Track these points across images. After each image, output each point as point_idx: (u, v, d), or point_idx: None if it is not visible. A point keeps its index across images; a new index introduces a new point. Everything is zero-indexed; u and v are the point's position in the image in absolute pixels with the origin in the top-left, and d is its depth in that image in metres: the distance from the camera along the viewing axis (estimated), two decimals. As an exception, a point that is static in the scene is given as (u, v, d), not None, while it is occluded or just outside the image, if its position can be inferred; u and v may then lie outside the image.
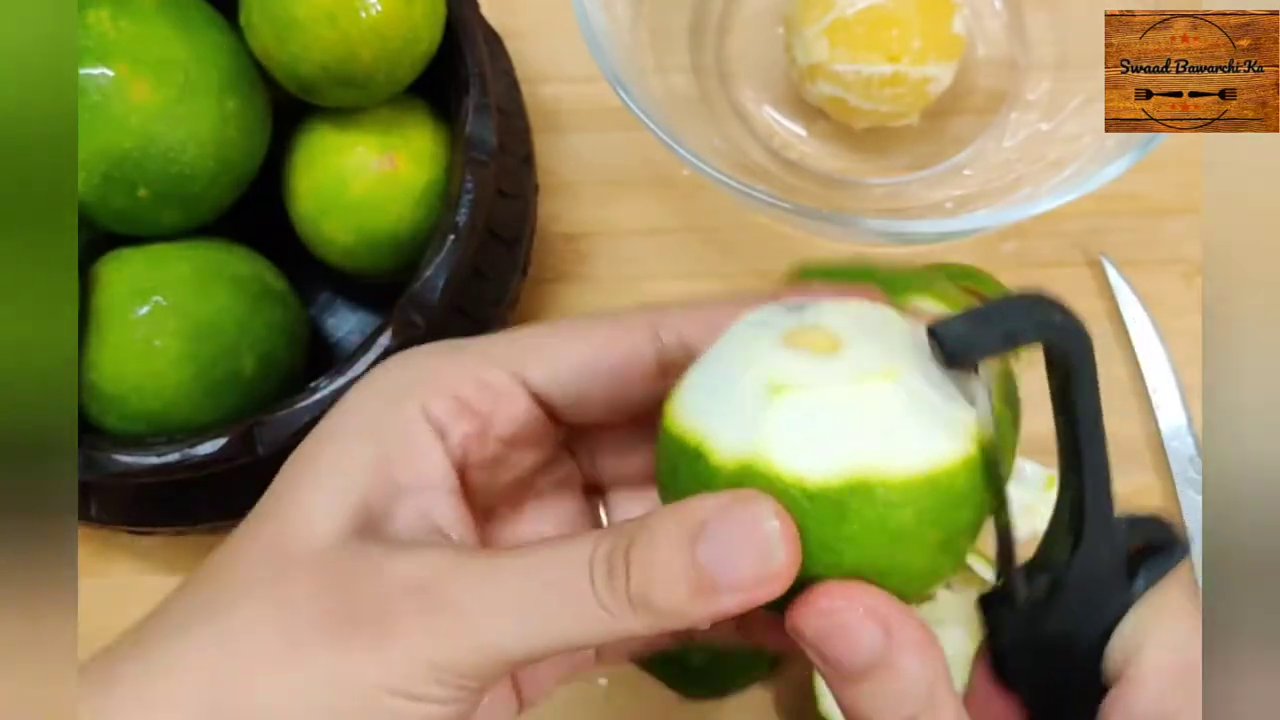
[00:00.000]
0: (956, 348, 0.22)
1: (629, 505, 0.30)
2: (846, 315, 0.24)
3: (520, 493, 0.29)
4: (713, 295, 0.27)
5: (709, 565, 0.21)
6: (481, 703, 0.24)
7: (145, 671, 0.24)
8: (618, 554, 0.22)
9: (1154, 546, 0.25)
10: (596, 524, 0.30)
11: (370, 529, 0.24)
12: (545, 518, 0.29)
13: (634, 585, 0.21)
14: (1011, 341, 0.22)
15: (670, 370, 0.26)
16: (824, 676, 0.22)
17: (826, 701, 0.41)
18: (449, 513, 0.26)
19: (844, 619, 0.22)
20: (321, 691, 0.23)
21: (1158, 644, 0.24)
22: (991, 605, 0.26)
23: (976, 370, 0.23)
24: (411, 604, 0.22)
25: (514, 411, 0.26)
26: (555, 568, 0.22)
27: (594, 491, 0.30)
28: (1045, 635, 0.26)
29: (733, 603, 0.21)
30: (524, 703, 0.28)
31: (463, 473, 0.26)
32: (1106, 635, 0.25)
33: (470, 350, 0.27)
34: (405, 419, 0.25)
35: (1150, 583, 0.25)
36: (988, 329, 0.22)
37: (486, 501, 0.28)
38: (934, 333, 0.23)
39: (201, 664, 0.23)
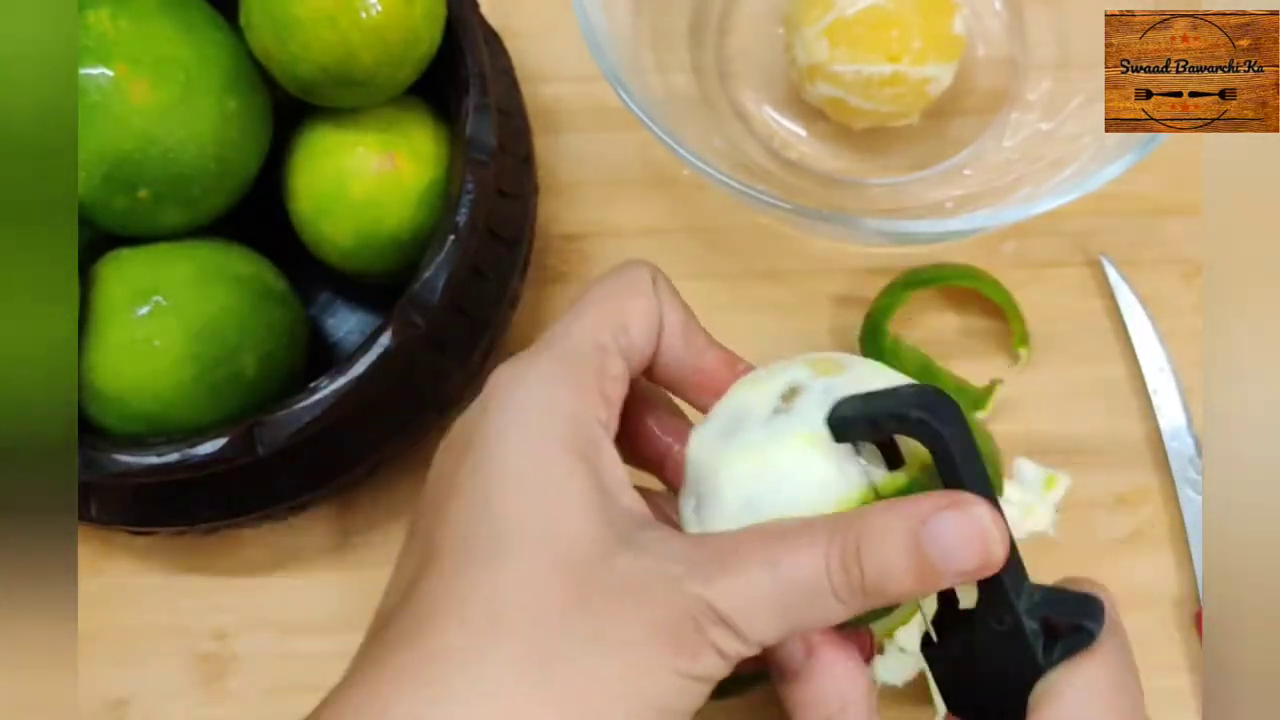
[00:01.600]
0: (836, 428, 0.27)
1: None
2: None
3: None
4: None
5: (936, 557, 0.25)
6: None
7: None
8: (850, 555, 0.25)
9: (1074, 625, 0.27)
10: None
11: (618, 533, 0.26)
12: None
13: (868, 580, 0.25)
14: (876, 429, 0.27)
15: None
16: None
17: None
18: (640, 504, 0.28)
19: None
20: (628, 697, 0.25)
21: (1067, 695, 0.26)
22: (928, 646, 0.29)
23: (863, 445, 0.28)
24: (694, 625, 0.25)
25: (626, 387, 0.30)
26: (798, 570, 0.25)
27: None
28: (973, 678, 0.28)
29: (951, 583, 0.26)
30: None
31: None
32: (1029, 685, 0.27)
33: (584, 350, 0.29)
34: (592, 433, 0.28)
35: (1065, 655, 0.26)
36: (860, 418, 0.27)
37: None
38: (828, 417, 0.28)
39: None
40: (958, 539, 0.25)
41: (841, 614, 0.26)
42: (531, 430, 0.27)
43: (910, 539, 0.25)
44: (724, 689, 0.42)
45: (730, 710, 0.43)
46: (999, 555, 0.25)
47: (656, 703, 0.25)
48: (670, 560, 0.26)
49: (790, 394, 0.29)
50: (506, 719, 0.24)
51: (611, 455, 0.28)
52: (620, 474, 0.28)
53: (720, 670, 0.26)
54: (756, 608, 0.25)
